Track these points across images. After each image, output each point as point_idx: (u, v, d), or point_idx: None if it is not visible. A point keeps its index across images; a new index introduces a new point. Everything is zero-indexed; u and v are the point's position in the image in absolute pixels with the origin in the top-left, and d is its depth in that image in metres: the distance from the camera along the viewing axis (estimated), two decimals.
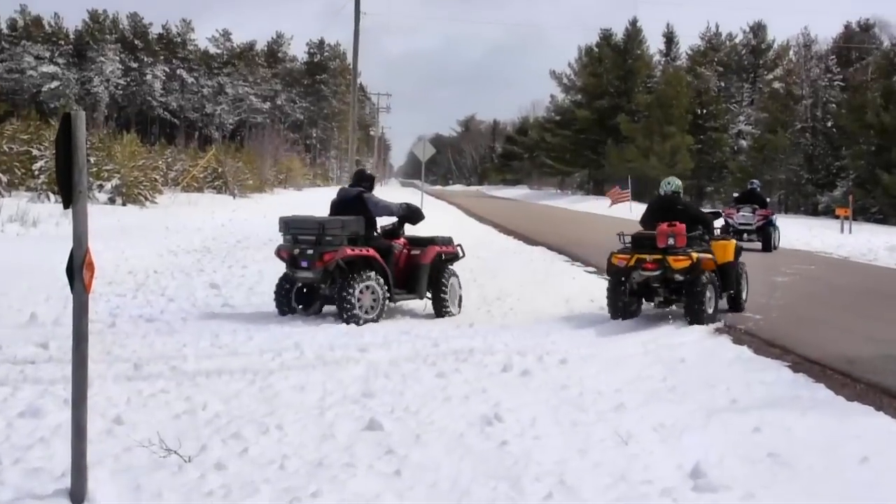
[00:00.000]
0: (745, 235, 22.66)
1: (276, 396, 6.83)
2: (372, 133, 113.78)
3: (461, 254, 12.18)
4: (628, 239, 11.77)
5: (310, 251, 10.59)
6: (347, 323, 10.31)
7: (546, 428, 6.17)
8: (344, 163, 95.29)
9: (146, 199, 30.11)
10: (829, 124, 57.32)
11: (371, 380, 7.46)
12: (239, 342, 8.96)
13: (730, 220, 23.07)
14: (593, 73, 77.05)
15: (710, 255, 11.79)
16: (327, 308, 11.29)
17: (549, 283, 15.19)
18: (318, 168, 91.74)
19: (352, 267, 10.72)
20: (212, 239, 20.93)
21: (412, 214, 11.65)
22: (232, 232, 23.06)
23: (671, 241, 11.24)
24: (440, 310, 11.60)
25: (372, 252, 10.86)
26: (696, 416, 6.58)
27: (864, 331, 11.24)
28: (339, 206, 11.40)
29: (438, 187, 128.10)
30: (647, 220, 12.19)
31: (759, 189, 25.18)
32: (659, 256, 11.22)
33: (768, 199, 26.39)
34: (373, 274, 10.76)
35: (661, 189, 12.53)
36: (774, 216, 24.63)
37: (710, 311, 11.34)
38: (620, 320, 11.32)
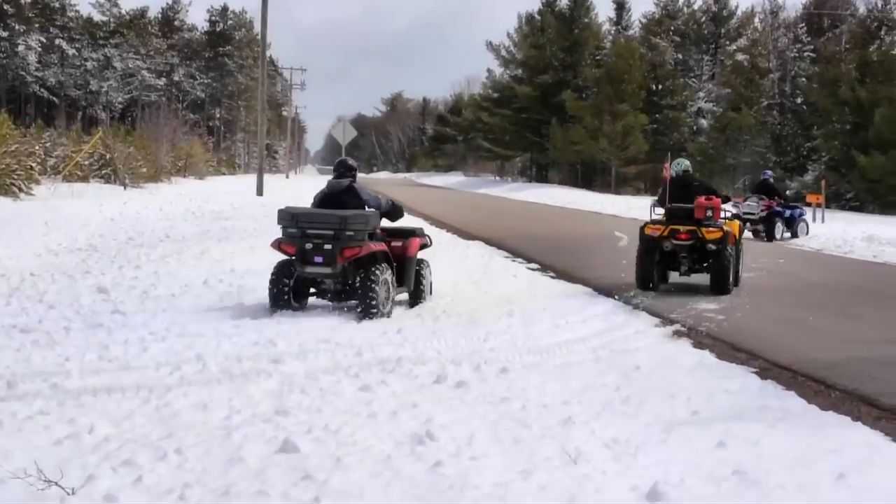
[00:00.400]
0: (747, 225, 25.00)
1: (175, 416, 6.74)
2: (284, 113, 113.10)
3: (430, 242, 13.30)
4: (660, 211, 15.04)
5: (327, 246, 11.29)
6: (371, 318, 11.16)
7: (484, 446, 6.18)
8: (252, 147, 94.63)
9: (21, 189, 29.53)
10: (799, 101, 58.35)
11: (285, 395, 7.40)
12: (131, 355, 8.82)
13: (736, 209, 25.43)
14: (535, 44, 77.54)
15: (733, 230, 14.82)
16: (246, 306, 11.24)
17: (487, 281, 15.25)
18: (223, 153, 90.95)
19: (358, 261, 11.57)
20: (99, 236, 20.59)
21: (395, 211, 12.70)
22: (122, 227, 22.72)
23: (709, 214, 14.46)
24: (416, 300, 12.81)
25: (383, 246, 11.91)
26: (653, 430, 6.65)
27: (839, 332, 11.50)
28: (329, 199, 12.21)
29: (361, 175, 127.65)
30: (667, 199, 14.91)
31: (771, 179, 27.87)
32: (692, 227, 14.39)
33: (790, 189, 28.95)
34: (386, 267, 11.69)
35: (673, 170, 15.33)
36: (800, 210, 27.57)
37: (731, 281, 14.55)
38: (643, 291, 14.23)
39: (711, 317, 12.17)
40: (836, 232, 27.50)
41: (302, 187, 57.26)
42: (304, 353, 9.04)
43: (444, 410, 7.05)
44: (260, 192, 41.64)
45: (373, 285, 11.27)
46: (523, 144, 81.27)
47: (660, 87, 69.13)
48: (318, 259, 11.35)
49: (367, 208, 12.11)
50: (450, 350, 9.45)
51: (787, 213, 26.77)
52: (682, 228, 14.46)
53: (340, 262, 11.32)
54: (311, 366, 8.51)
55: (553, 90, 73.27)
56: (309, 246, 11.38)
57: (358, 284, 11.41)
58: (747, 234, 24.67)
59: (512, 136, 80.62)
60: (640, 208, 41.67)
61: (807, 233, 26.93)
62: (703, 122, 67.44)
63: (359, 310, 11.34)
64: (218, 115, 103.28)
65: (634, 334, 10.83)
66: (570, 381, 8.21)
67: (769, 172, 29.38)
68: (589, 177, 73.80)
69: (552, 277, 16.48)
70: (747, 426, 6.73)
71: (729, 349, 10.11)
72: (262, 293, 12.77)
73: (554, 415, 7.02)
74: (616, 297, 13.76)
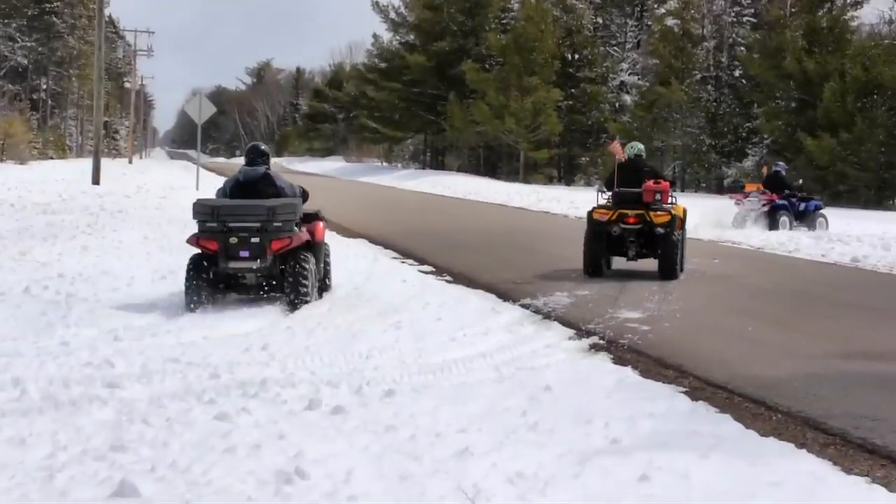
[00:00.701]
0: (748, 223, 27.74)
1: None
2: (127, 85, 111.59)
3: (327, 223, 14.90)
4: (607, 195, 17.60)
5: (254, 239, 12.64)
6: (296, 307, 12.69)
7: (366, 484, 6.16)
8: (87, 126, 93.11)
9: None
10: (738, 73, 59.67)
11: (123, 427, 7.29)
12: None
13: (738, 207, 28.73)
14: (430, 5, 77.78)
15: (679, 215, 17.25)
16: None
17: (371, 287, 15.26)
18: (51, 133, 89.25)
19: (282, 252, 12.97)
20: None
21: (305, 198, 13.85)
22: None
23: (658, 197, 16.87)
24: (325, 288, 14.25)
25: (308, 236, 13.34)
26: (565, 461, 6.69)
27: (782, 344, 11.74)
28: (245, 188, 13.39)
29: (221, 160, 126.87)
30: (615, 182, 17.53)
31: (783, 172, 29.93)
32: (641, 211, 16.87)
33: (798, 181, 31.95)
34: (310, 255, 13.20)
35: (626, 153, 18.03)
36: (815, 202, 29.83)
37: (679, 267, 17.04)
38: (590, 277, 16.89)
39: (634, 327, 12.34)
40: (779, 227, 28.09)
41: (149, 174, 56.61)
42: (149, 374, 8.92)
43: (318, 442, 7.01)
44: (96, 180, 40.97)
45: (304, 275, 12.79)
46: (416, 124, 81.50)
47: (576, 56, 70.00)
48: (245, 253, 12.68)
49: (285, 195, 13.36)
50: (325, 369, 9.42)
51: (802, 206, 28.91)
52: (630, 212, 16.95)
53: (270, 255, 12.70)
54: (157, 390, 8.40)
55: (451, 60, 73.61)
56: (234, 240, 12.62)
57: (289, 275, 12.82)
58: (751, 234, 26.61)
59: (402, 115, 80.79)
60: (552, 199, 42.19)
61: (826, 227, 28.60)
62: (627, 99, 68.50)
63: (293, 298, 12.78)
64: (44, 87, 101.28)
65: (545, 349, 10.91)
66: (467, 404, 8.24)
67: (781, 164, 31.54)
68: (493, 163, 74.37)
69: (449, 282, 16.57)
70: (675, 456, 6.82)
71: (654, 365, 10.26)
72: (94, 303, 12.61)
73: (449, 445, 7.03)
74: (524, 304, 13.87)
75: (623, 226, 16.92)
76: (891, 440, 7.59)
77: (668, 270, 16.83)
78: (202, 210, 12.75)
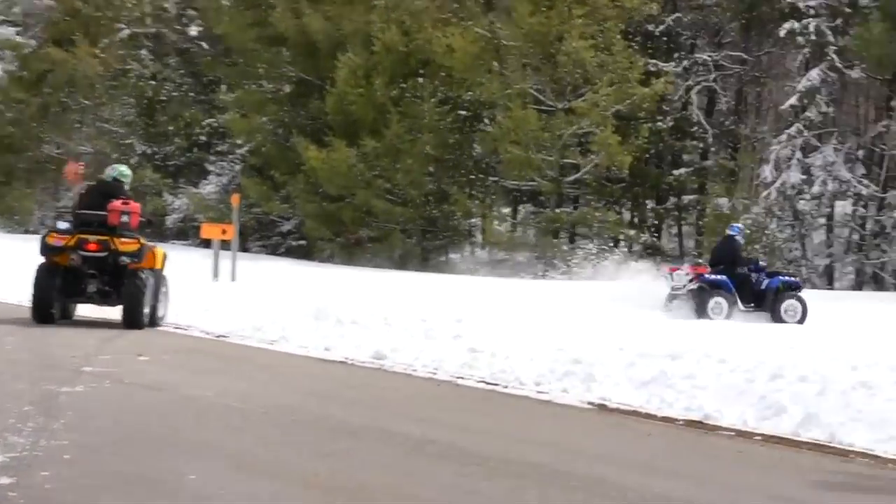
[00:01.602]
0: (674, 302, 30.87)
1: None
2: None
3: None
4: (66, 220, 23.04)
5: None
6: None
7: None
8: None
9: None
10: (195, 32, 60.94)
11: None
12: None
13: (668, 282, 31.93)
14: None
15: (154, 251, 23.73)
16: None
17: None
18: None
19: None
20: None
21: None
22: None
23: (125, 220, 22.61)
24: None
25: None
26: None
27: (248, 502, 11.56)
28: None
29: None
30: (82, 206, 23.27)
31: (739, 238, 33.26)
32: (105, 237, 22.45)
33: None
34: None
35: (106, 174, 24.66)
36: (785, 279, 32.94)
37: (148, 314, 23.18)
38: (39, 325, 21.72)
39: None
40: (249, 300, 29.42)
41: None
42: None
43: None
44: None
45: None
46: None
47: None
48: None
49: None
50: None
51: (763, 283, 31.43)
52: (91, 238, 22.47)
53: None
54: None
55: None
56: None
57: None
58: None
59: None
60: None
61: (801, 318, 30.97)
62: None
63: None
64: None
65: None
66: None
67: (737, 226, 34.18)
68: None
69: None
70: None
71: None
72: None
73: None
74: None
75: (83, 253, 22.50)
76: None
77: (133, 315, 22.75)
78: None
